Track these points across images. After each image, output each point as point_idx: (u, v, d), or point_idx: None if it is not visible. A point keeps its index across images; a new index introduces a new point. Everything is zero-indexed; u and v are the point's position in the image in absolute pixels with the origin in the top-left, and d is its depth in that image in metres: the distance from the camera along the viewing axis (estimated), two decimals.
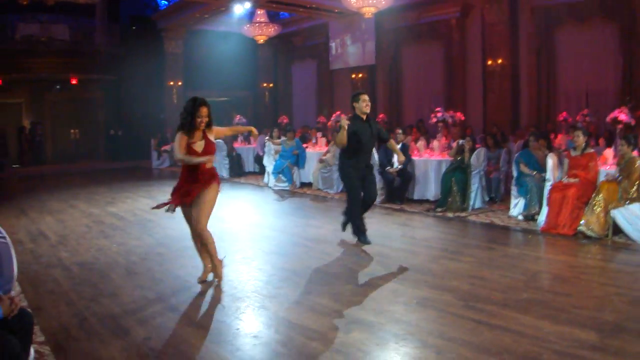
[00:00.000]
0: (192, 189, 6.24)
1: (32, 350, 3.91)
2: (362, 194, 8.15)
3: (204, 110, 6.19)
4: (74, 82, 24.82)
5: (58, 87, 25.14)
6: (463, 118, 15.69)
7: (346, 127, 7.77)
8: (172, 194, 6.40)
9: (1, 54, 22.82)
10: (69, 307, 5.78)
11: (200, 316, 5.49)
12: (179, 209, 6.37)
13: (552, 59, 16.60)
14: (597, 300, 5.63)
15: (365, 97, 8.07)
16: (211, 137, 6.38)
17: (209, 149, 6.34)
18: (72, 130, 25.94)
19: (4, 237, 3.96)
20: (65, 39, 24.27)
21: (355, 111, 8.07)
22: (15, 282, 4.03)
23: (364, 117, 8.04)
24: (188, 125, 6.18)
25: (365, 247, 8.05)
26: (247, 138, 18.86)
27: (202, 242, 6.36)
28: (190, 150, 6.19)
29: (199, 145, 6.24)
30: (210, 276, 6.56)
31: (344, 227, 8.57)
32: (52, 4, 22.80)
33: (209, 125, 6.32)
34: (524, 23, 17.04)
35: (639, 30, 14.46)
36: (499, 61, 17.16)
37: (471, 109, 18.20)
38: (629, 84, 14.70)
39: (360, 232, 8.21)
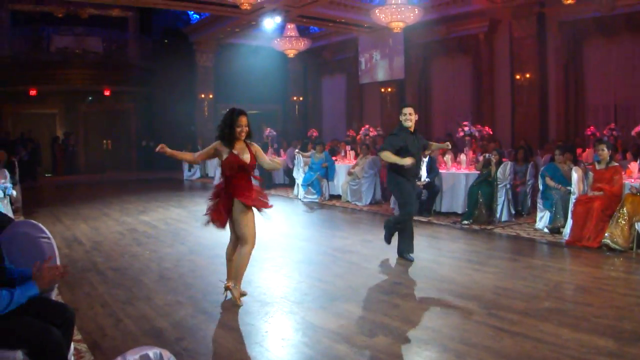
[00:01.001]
0: (225, 202, 6.11)
1: (71, 346, 4.09)
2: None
3: (243, 120, 6.01)
4: (106, 93, 25.31)
5: (90, 98, 25.62)
6: (491, 132, 15.81)
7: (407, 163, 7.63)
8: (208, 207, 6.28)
9: (36, 65, 23.43)
10: (104, 309, 6.02)
11: (230, 319, 5.67)
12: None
13: (580, 73, 16.69)
14: (617, 310, 5.74)
15: (407, 109, 7.90)
16: (254, 152, 6.15)
17: (253, 162, 6.13)
18: (104, 141, 26.46)
19: (48, 238, 4.23)
20: (98, 52, 24.82)
21: (401, 124, 7.92)
22: (55, 260, 4.20)
23: (412, 129, 7.91)
24: (227, 136, 5.99)
25: (392, 258, 8.21)
26: (277, 150, 19.07)
27: (238, 252, 6.24)
28: (235, 159, 5.97)
29: (246, 158, 6.05)
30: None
31: (389, 240, 8.44)
32: (86, 17, 23.36)
33: (249, 136, 6.13)
34: (552, 37, 17.15)
35: None
36: (527, 75, 17.26)
37: (500, 123, 18.32)
38: None
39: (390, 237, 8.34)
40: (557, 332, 5.08)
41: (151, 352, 1.95)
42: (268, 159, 6.36)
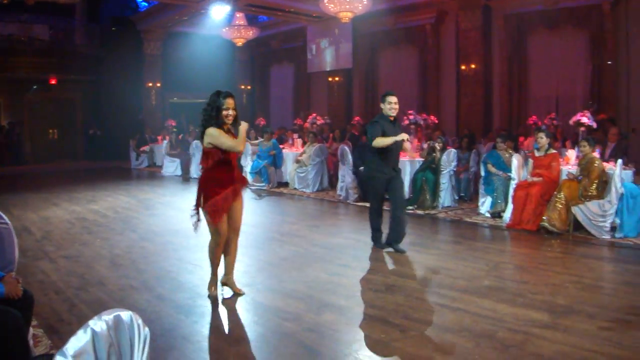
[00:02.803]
0: (235, 191, 5.72)
1: (30, 329, 4.15)
2: (380, 205, 8.01)
3: (230, 102, 5.58)
4: (53, 82, 24.83)
5: (35, 87, 25.16)
6: (437, 121, 16.11)
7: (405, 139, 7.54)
8: (210, 202, 5.58)
9: None
10: (58, 295, 6.05)
11: (183, 301, 5.79)
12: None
13: (524, 65, 17.06)
14: (552, 287, 6.05)
15: (393, 98, 7.68)
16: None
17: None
18: (50, 130, 25.98)
19: (5, 223, 4.25)
20: (45, 39, 24.33)
21: (382, 112, 7.75)
22: (16, 264, 4.28)
23: (392, 118, 7.77)
24: (214, 120, 5.55)
25: (338, 241, 8.44)
26: None
27: (233, 245, 5.97)
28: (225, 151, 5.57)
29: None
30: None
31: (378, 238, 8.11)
32: (32, 4, 22.81)
33: (235, 120, 5.68)
34: (497, 30, 17.47)
35: (608, 38, 14.96)
36: (472, 66, 17.56)
37: (445, 112, 18.62)
38: (597, 90, 15.22)
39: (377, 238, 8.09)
40: (495, 308, 5.35)
41: (123, 314, 2.06)
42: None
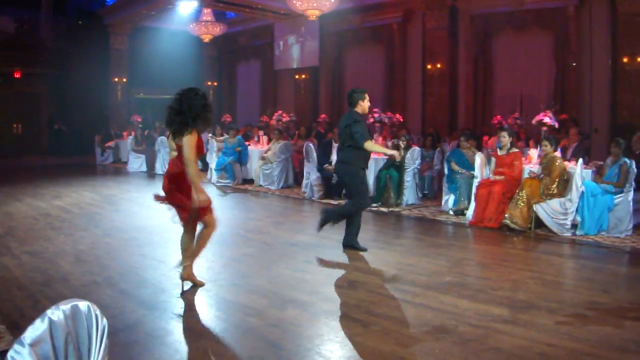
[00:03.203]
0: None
1: None
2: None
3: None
4: (17, 75, 24.48)
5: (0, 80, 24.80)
6: (402, 119, 16.22)
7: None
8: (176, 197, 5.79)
9: None
10: (21, 291, 5.98)
11: (146, 297, 5.77)
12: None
13: (489, 65, 17.25)
14: (513, 282, 6.15)
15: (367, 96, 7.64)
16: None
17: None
18: (14, 125, 25.58)
19: None
20: (9, 32, 23.96)
21: (357, 109, 7.58)
22: None
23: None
24: (207, 121, 5.66)
25: (303, 238, 8.45)
26: None
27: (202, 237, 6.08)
28: (200, 151, 5.67)
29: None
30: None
31: (321, 227, 7.89)
32: None
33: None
34: (463, 30, 17.63)
35: (571, 39, 15.22)
36: (438, 66, 17.70)
37: (411, 111, 18.75)
38: (560, 90, 15.48)
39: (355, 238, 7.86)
40: (457, 303, 5.42)
41: (81, 303, 2.06)
42: None
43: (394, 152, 7.69)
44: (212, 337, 4.78)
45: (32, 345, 1.88)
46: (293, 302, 5.51)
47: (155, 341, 4.65)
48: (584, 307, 5.34)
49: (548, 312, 5.18)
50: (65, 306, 2.02)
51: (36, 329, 1.93)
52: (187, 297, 5.74)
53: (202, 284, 6.00)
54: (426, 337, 4.63)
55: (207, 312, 5.39)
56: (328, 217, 7.79)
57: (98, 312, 2.08)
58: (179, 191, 5.73)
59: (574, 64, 15.23)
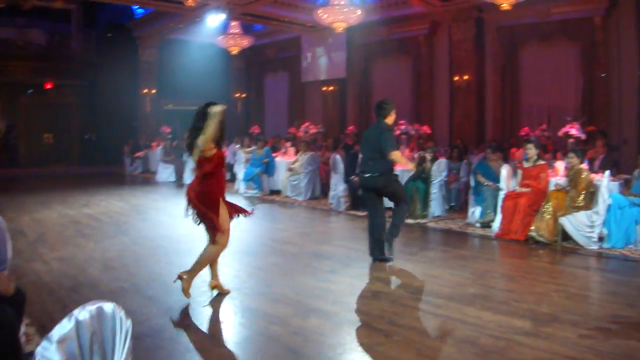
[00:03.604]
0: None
1: (22, 327, 4.19)
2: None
3: None
4: (48, 86, 24.91)
5: (31, 91, 25.19)
6: (429, 131, 16.22)
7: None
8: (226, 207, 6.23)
9: None
10: (50, 296, 6.13)
11: (172, 304, 5.86)
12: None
13: (516, 76, 17.19)
14: (537, 295, 6.13)
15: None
16: None
17: None
18: (45, 135, 25.97)
19: None
20: (41, 44, 24.41)
21: (387, 119, 7.68)
22: (8, 263, 4.26)
23: None
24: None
25: (328, 249, 8.53)
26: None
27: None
28: (222, 162, 5.97)
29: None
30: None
31: (391, 247, 7.82)
32: (28, 9, 22.94)
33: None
34: (490, 41, 17.60)
35: (599, 50, 15.10)
36: (465, 77, 17.66)
37: (438, 122, 18.72)
38: (588, 101, 15.36)
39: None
40: (479, 315, 5.42)
41: (106, 305, 2.14)
42: None
43: (411, 165, 7.90)
44: (235, 344, 4.85)
45: (59, 342, 1.96)
46: (316, 312, 5.56)
47: (180, 347, 4.75)
48: (608, 321, 5.31)
49: (571, 325, 5.16)
50: (91, 307, 2.11)
51: (63, 328, 2.02)
52: (213, 304, 5.82)
53: (228, 291, 6.14)
54: (448, 348, 4.66)
55: (232, 319, 5.47)
56: (391, 236, 7.76)
57: (122, 313, 2.16)
58: (204, 205, 5.87)
59: (603, 75, 15.10)
